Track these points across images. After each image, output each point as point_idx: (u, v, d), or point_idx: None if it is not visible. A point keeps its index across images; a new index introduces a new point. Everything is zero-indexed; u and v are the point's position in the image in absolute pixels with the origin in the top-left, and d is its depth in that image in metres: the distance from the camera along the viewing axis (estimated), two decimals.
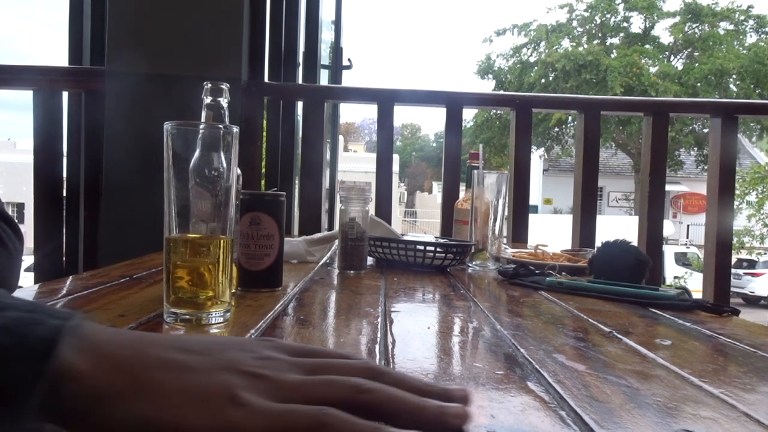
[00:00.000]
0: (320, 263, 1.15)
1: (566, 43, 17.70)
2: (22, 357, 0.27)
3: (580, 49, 17.18)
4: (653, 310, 0.79)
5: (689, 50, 17.52)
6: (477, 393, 0.42)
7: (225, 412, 0.28)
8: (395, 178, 2.65)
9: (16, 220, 0.75)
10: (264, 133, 2.00)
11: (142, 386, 0.29)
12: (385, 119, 2.00)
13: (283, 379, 0.31)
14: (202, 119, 0.69)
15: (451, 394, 0.34)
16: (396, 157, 6.10)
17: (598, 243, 1.20)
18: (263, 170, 2.00)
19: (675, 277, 11.21)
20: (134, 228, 1.52)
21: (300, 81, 2.21)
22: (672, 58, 17.82)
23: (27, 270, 2.42)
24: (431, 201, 23.43)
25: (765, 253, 13.49)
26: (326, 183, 2.12)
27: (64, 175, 1.87)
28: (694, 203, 18.47)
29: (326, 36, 2.59)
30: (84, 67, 1.96)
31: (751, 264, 12.79)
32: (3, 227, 0.71)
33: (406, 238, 1.22)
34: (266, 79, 2.05)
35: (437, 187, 24.66)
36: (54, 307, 0.32)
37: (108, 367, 0.29)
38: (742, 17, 16.85)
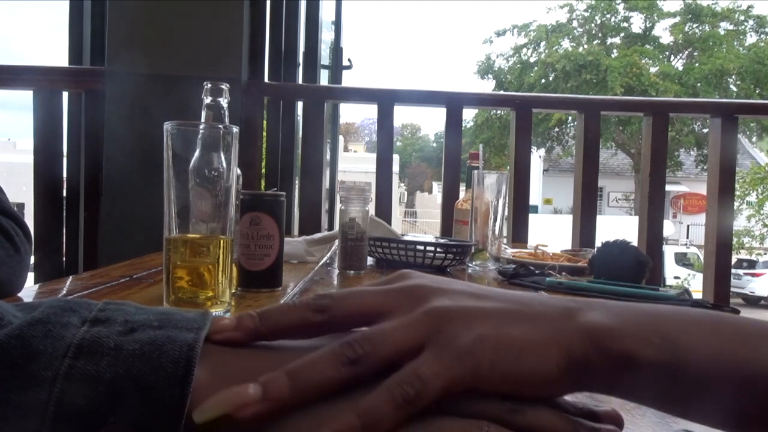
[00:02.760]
0: (320, 263, 1.15)
1: (566, 44, 17.71)
2: (158, 385, 0.25)
3: (580, 49, 17.19)
4: None
5: (689, 50, 17.53)
6: None
7: None
8: (395, 178, 2.65)
9: None
10: (264, 133, 2.00)
11: None
12: (385, 119, 2.00)
13: None
14: (202, 119, 0.69)
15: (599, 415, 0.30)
16: (396, 157, 6.10)
17: (598, 243, 1.20)
18: (263, 170, 2.00)
19: (675, 277, 11.22)
20: (134, 228, 1.52)
21: (300, 81, 2.21)
22: (672, 58, 17.83)
23: None
24: (431, 201, 23.43)
25: (765, 254, 13.50)
26: (326, 183, 2.12)
27: (64, 175, 1.87)
28: (694, 203, 18.46)
29: (326, 36, 2.59)
30: (84, 67, 1.96)
31: (751, 264, 12.79)
32: (15, 229, 0.71)
33: (406, 238, 1.22)
34: (266, 79, 2.05)
35: (437, 187, 24.67)
36: (185, 313, 0.30)
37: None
38: (742, 17, 16.85)
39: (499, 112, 15.10)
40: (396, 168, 4.38)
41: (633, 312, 0.29)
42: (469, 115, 18.06)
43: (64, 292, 0.75)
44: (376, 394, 0.26)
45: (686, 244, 15.49)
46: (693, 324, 0.29)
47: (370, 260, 1.14)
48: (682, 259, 12.87)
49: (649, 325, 0.28)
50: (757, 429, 0.27)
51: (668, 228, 14.16)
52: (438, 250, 1.08)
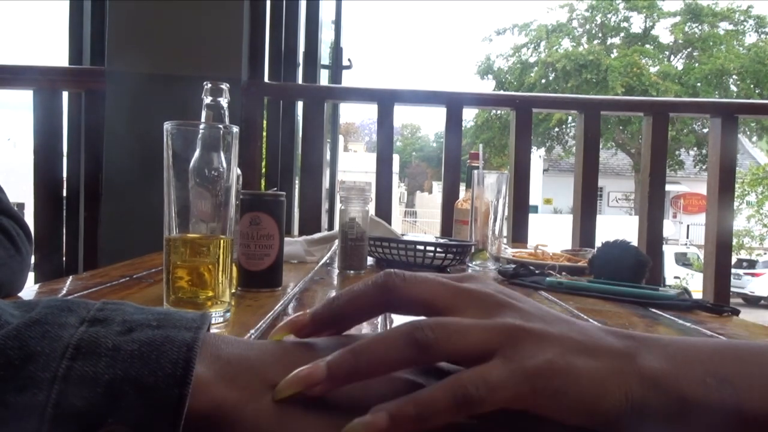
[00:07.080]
0: (320, 263, 1.15)
1: (566, 43, 17.71)
2: (157, 386, 0.25)
3: (581, 48, 17.20)
4: (653, 310, 0.79)
5: (689, 50, 17.53)
6: None
7: None
8: (395, 178, 2.65)
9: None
10: (264, 133, 2.00)
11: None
12: (385, 119, 2.00)
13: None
14: (202, 119, 0.69)
15: None
16: (396, 157, 6.11)
17: (598, 243, 1.20)
18: (263, 170, 2.00)
19: (675, 277, 11.22)
20: (134, 228, 1.52)
21: (300, 81, 2.21)
22: (672, 58, 17.83)
23: None
24: (431, 201, 23.43)
25: (765, 254, 13.49)
26: (326, 183, 2.12)
27: (64, 175, 1.87)
28: (694, 203, 18.46)
29: (326, 36, 2.59)
30: (84, 67, 1.96)
31: (751, 264, 12.79)
32: (16, 230, 0.71)
33: (406, 238, 1.22)
34: (266, 79, 2.05)
35: (437, 187, 24.66)
36: (183, 313, 0.30)
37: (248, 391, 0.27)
38: (742, 17, 16.85)
39: (499, 112, 15.10)
40: (396, 168, 4.39)
41: (690, 352, 0.29)
42: (469, 115, 18.07)
43: (64, 291, 0.75)
44: (436, 388, 0.26)
45: (686, 244, 15.49)
46: (751, 362, 0.29)
47: (370, 260, 1.14)
48: (682, 259, 12.87)
49: (705, 366, 0.28)
50: None
51: (668, 228, 14.17)
52: (438, 250, 1.08)
